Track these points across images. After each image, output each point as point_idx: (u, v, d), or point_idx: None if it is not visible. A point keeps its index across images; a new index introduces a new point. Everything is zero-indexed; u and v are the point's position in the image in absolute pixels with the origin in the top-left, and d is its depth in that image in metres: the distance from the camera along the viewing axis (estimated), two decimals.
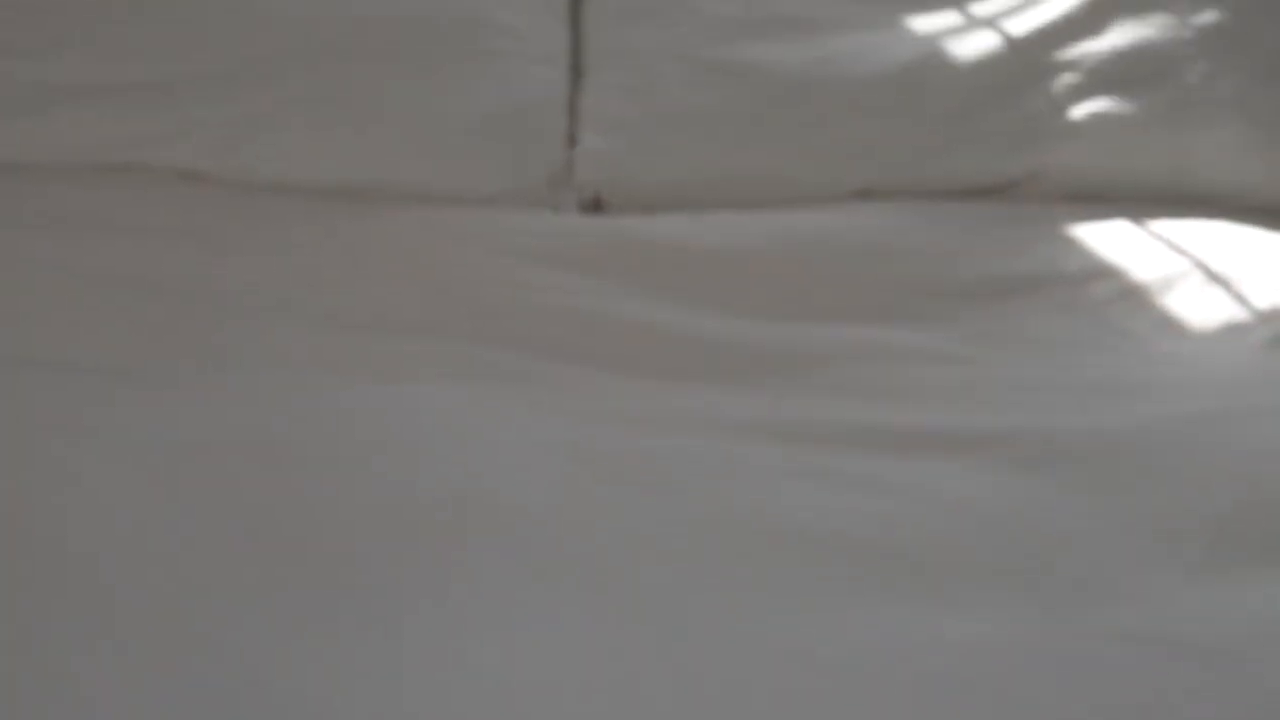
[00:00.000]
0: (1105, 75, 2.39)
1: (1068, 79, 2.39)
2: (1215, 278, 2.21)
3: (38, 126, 2.32)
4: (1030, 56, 2.42)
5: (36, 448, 1.85)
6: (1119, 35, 2.42)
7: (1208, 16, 2.43)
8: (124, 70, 2.34)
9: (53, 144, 2.32)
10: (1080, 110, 2.37)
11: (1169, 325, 2.15)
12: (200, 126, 2.32)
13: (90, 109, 2.32)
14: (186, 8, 2.39)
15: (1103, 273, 2.23)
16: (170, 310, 2.09)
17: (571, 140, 2.40)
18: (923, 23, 2.48)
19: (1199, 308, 2.17)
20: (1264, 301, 2.17)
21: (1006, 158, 2.37)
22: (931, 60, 2.42)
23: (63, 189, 2.29)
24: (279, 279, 2.16)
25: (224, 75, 2.35)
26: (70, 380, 1.96)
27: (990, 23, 2.47)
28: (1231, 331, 2.14)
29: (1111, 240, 2.28)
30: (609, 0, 2.53)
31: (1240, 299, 2.18)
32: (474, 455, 1.88)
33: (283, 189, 2.31)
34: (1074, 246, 2.28)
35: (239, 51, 2.36)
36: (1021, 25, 2.45)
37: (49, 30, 2.37)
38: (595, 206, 2.37)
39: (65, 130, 2.32)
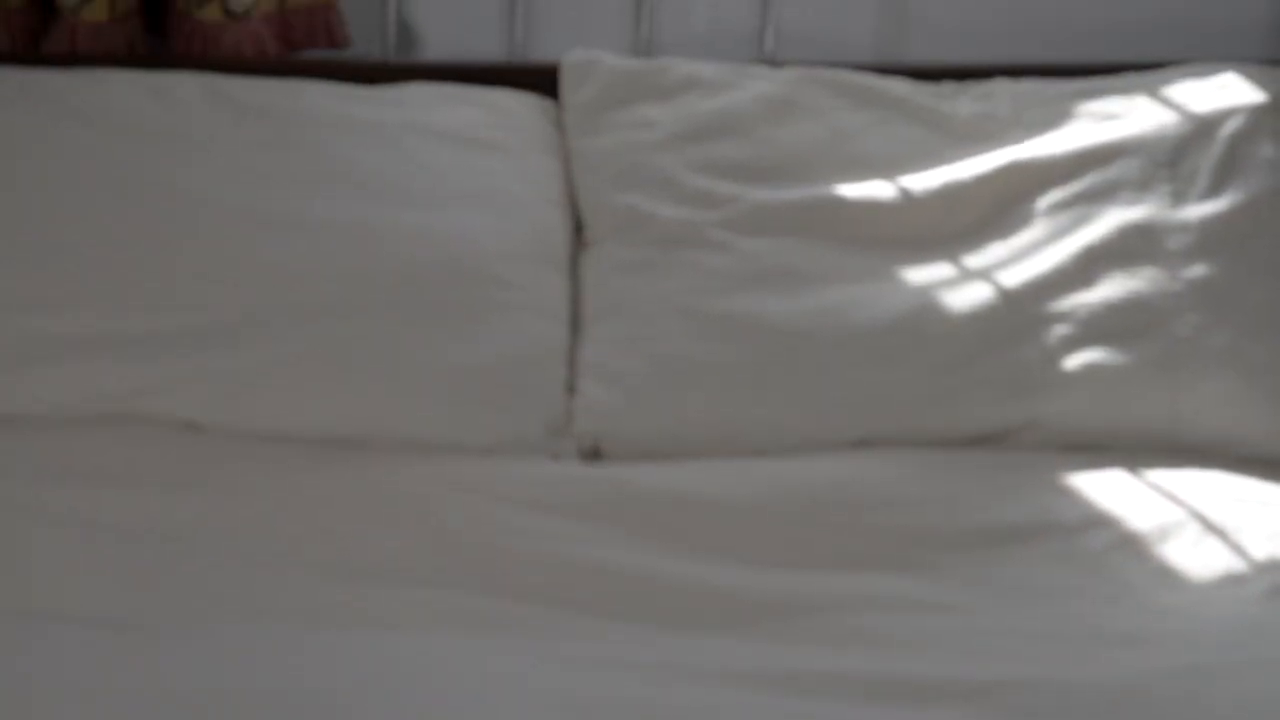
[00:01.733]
0: (1098, 327, 2.42)
1: (1061, 330, 2.42)
2: (1212, 528, 2.22)
3: (37, 378, 2.34)
4: (1023, 308, 2.45)
5: (34, 702, 1.84)
6: (1110, 288, 2.45)
7: (1197, 270, 2.46)
8: (124, 322, 2.37)
9: (52, 395, 2.34)
10: (1074, 361, 2.39)
11: (1167, 576, 2.15)
12: (201, 377, 2.34)
13: (90, 360, 2.34)
14: (187, 260, 2.42)
15: (1100, 522, 2.24)
16: (168, 560, 2.10)
17: (571, 390, 2.42)
18: (917, 274, 2.51)
19: (1196, 558, 2.18)
20: (1261, 552, 2.18)
21: (1002, 407, 2.39)
22: (926, 311, 2.45)
23: (62, 439, 2.31)
24: (278, 528, 2.17)
25: (224, 327, 2.37)
26: (68, 632, 1.95)
27: (983, 274, 2.50)
28: (1229, 582, 2.14)
29: (1108, 489, 2.29)
30: (607, 252, 2.56)
31: (1237, 550, 2.19)
32: (469, 704, 1.87)
33: (282, 439, 2.33)
34: (1071, 495, 2.29)
35: (239, 303, 2.39)
36: (1014, 277, 2.48)
37: (49, 284, 2.40)
38: (595, 455, 2.38)
39: (65, 381, 2.34)
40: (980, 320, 2.44)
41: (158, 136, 2.54)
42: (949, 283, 2.49)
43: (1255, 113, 2.62)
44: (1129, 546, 2.20)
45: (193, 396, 2.34)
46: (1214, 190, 2.54)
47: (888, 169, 2.61)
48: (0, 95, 2.56)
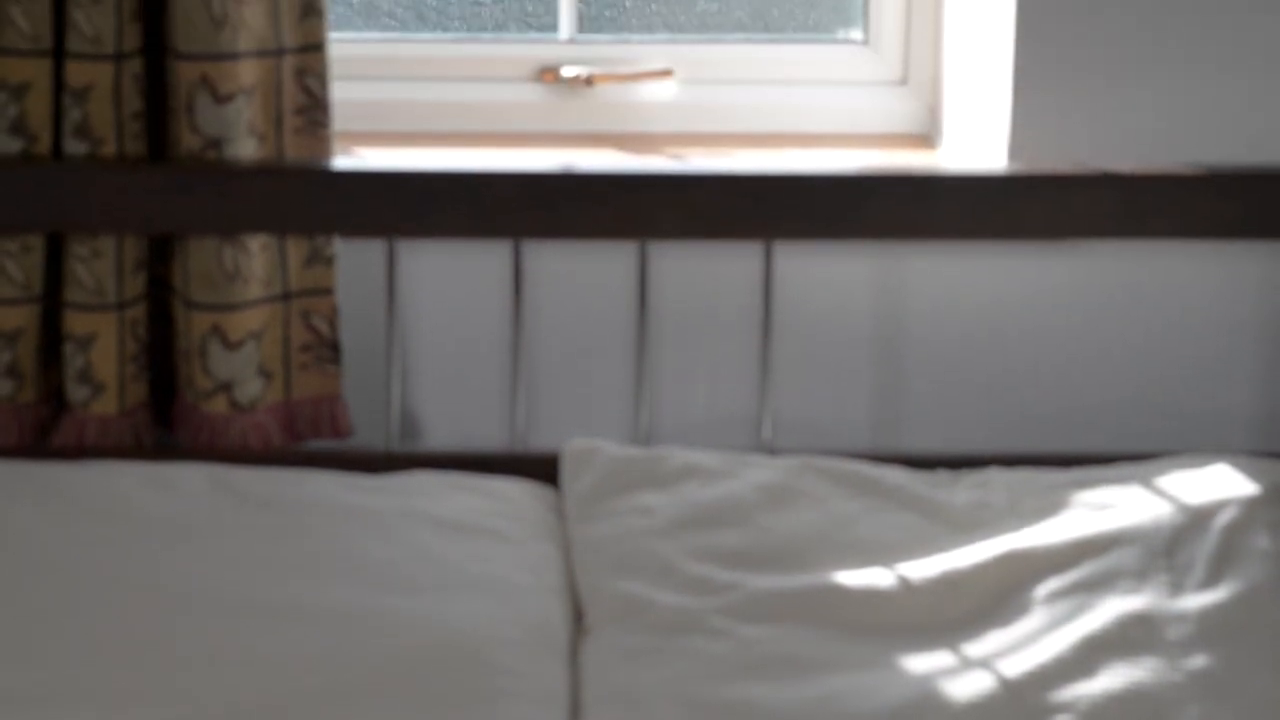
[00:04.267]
0: (1100, 717, 2.39)
1: None
2: None
3: None
4: (1025, 697, 2.43)
5: None
6: (1111, 678, 2.44)
7: (1197, 661, 2.46)
8: (122, 714, 2.35)
9: None
10: None
11: None
12: None
13: None
14: (186, 651, 2.41)
15: None
16: None
17: None
18: (917, 663, 2.50)
19: None
20: None
21: None
22: (927, 701, 2.44)
23: None
24: None
25: (222, 717, 2.36)
26: None
27: (984, 663, 2.49)
28: None
29: None
30: (606, 639, 2.56)
31: None
32: None
33: None
34: None
35: (237, 694, 2.38)
36: (1014, 666, 2.47)
37: (46, 677, 2.39)
38: None
39: None
40: (981, 710, 2.43)
41: (161, 528, 2.57)
42: (949, 672, 2.48)
43: (1249, 504, 2.66)
44: None
45: None
46: (1211, 581, 2.56)
47: (886, 557, 2.63)
48: (7, 489, 2.60)
